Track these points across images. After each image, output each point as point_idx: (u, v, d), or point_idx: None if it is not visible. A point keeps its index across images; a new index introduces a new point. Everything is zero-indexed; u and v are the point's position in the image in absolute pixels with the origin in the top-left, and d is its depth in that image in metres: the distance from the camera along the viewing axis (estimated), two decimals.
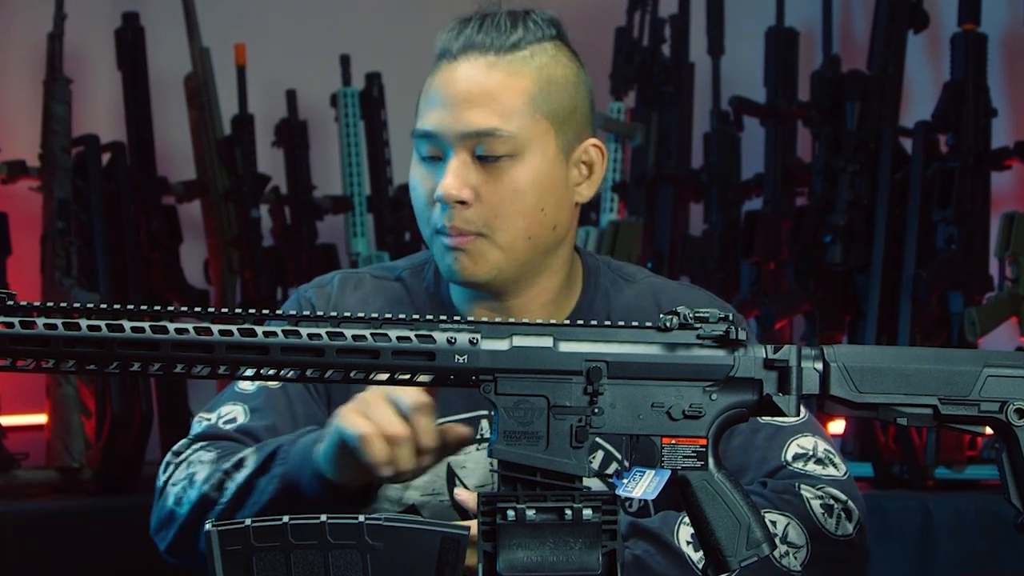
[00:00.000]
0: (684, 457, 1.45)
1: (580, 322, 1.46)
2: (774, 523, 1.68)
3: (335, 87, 4.04)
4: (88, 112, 3.86)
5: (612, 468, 1.78)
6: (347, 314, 1.43)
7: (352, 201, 4.05)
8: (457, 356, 1.42)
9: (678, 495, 1.47)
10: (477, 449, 1.79)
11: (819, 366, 1.47)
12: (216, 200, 3.91)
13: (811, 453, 1.77)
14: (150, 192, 3.80)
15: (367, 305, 1.82)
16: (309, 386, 1.82)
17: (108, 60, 3.86)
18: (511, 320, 1.45)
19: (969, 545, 3.07)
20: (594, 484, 1.76)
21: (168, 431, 3.64)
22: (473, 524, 1.43)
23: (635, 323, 1.46)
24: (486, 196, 1.73)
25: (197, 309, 1.41)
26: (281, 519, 1.37)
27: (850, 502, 1.73)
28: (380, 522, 1.37)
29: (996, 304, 3.38)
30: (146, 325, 1.39)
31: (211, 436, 1.79)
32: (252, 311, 1.43)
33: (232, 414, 1.81)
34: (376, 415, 1.54)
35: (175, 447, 1.80)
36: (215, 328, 1.40)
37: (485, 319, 1.45)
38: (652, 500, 1.74)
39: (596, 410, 1.43)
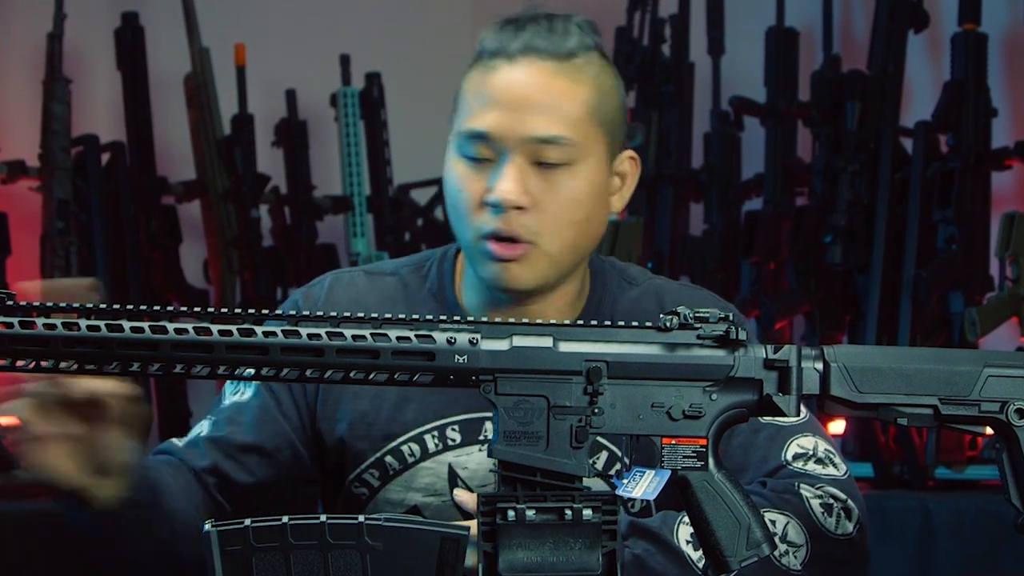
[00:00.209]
0: (684, 457, 1.45)
1: (580, 322, 1.46)
2: (774, 522, 1.68)
3: (335, 87, 4.04)
4: (88, 112, 3.85)
5: (616, 469, 1.78)
6: (347, 314, 1.43)
7: (352, 201, 4.04)
8: (457, 356, 1.42)
9: (678, 495, 1.47)
10: (479, 450, 1.79)
11: (819, 366, 1.47)
12: (216, 200, 3.91)
13: (811, 453, 1.77)
14: (150, 192, 3.80)
15: (360, 303, 1.81)
16: (288, 397, 1.82)
17: (108, 60, 3.86)
18: (511, 320, 1.45)
19: (969, 545, 3.06)
20: (596, 484, 1.76)
21: (168, 431, 3.64)
22: (473, 524, 1.43)
23: (635, 323, 1.46)
24: (543, 203, 1.72)
25: (196, 309, 1.41)
26: (281, 519, 1.36)
27: (850, 501, 1.73)
28: (380, 522, 1.37)
29: (996, 304, 3.37)
30: (145, 325, 1.39)
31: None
32: (251, 311, 1.43)
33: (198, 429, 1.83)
34: None
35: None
36: (214, 328, 1.40)
37: (485, 319, 1.44)
38: (652, 500, 1.73)
39: (596, 410, 1.43)
